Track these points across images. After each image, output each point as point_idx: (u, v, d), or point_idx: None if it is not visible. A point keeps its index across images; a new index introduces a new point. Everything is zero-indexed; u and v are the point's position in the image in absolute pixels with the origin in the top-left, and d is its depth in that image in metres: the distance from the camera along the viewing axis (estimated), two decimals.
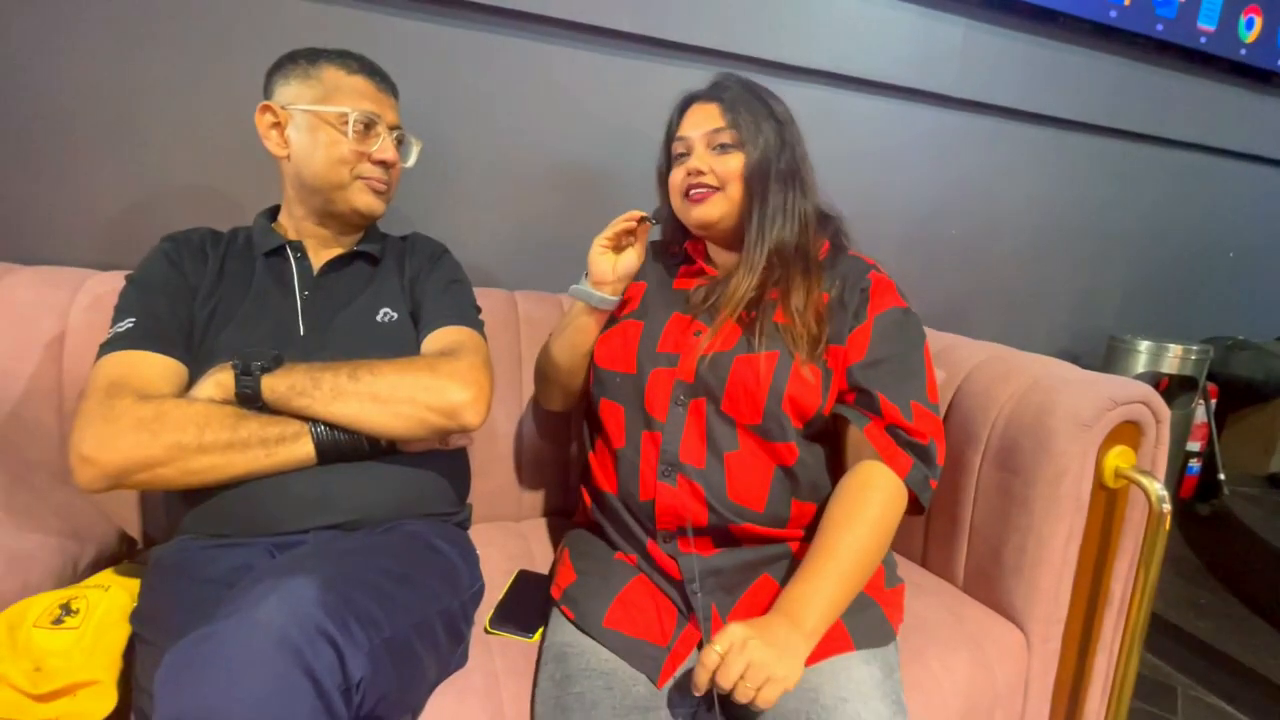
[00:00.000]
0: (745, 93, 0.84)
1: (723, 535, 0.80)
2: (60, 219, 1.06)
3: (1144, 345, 1.92)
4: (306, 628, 0.49)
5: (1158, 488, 0.88)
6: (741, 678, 0.60)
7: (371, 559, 0.66)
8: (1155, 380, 1.89)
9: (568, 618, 0.78)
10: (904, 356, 0.80)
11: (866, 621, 0.76)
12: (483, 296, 1.02)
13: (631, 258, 0.87)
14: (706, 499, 0.78)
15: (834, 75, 1.48)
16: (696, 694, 0.63)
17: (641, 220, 0.86)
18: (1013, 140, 1.74)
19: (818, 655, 0.69)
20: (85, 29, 1.02)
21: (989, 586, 0.98)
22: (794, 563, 0.79)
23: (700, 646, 0.75)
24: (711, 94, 0.85)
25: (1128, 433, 0.92)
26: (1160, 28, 1.79)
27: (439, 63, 1.19)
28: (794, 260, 0.82)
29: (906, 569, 1.08)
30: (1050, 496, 0.89)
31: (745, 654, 0.61)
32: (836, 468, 0.82)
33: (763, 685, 0.61)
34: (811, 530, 0.80)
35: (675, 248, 0.95)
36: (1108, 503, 0.94)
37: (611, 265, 0.86)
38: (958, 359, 1.08)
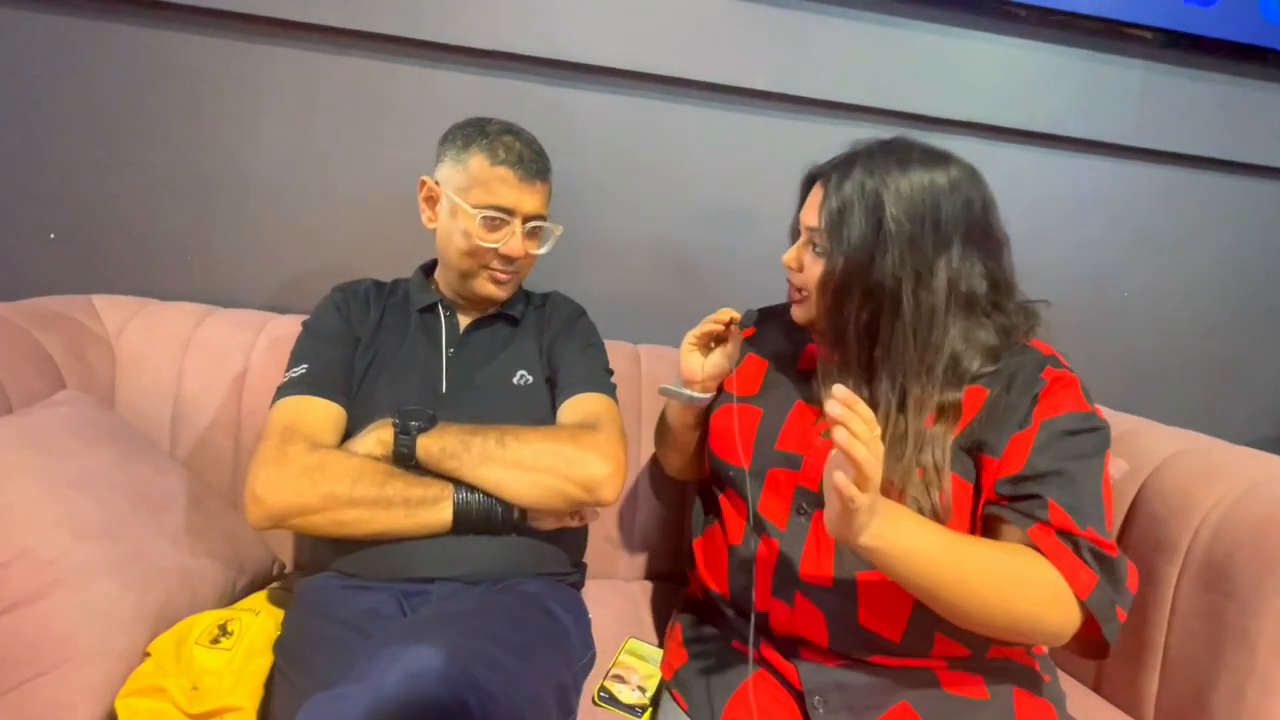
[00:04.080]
0: (863, 180, 0.68)
1: (850, 657, 0.71)
2: (251, 266, 1.21)
3: None
4: (427, 707, 0.49)
5: None
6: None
7: (490, 624, 0.65)
8: None
9: (679, 703, 0.73)
10: (1074, 474, 0.64)
11: None
12: (609, 350, 1.03)
13: (719, 359, 0.82)
14: (828, 624, 0.70)
15: (987, 127, 1.38)
16: None
17: (729, 324, 0.81)
18: (1202, 192, 1.53)
19: None
20: (274, 103, 1.17)
21: None
22: (940, 694, 0.67)
23: None
24: (826, 179, 0.73)
25: None
26: None
27: (586, 128, 1.25)
28: (909, 376, 0.68)
29: (1074, 696, 0.91)
30: None
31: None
32: None
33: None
34: (958, 662, 0.68)
35: None
36: None
37: (700, 364, 0.82)
38: (1142, 447, 0.93)
